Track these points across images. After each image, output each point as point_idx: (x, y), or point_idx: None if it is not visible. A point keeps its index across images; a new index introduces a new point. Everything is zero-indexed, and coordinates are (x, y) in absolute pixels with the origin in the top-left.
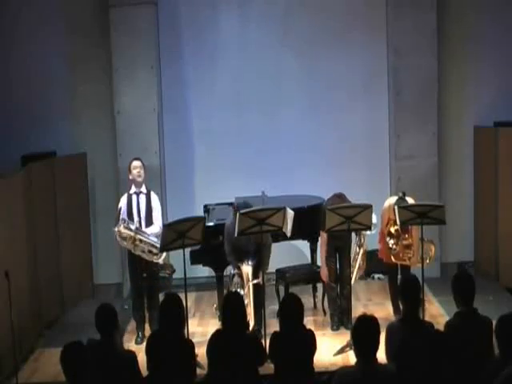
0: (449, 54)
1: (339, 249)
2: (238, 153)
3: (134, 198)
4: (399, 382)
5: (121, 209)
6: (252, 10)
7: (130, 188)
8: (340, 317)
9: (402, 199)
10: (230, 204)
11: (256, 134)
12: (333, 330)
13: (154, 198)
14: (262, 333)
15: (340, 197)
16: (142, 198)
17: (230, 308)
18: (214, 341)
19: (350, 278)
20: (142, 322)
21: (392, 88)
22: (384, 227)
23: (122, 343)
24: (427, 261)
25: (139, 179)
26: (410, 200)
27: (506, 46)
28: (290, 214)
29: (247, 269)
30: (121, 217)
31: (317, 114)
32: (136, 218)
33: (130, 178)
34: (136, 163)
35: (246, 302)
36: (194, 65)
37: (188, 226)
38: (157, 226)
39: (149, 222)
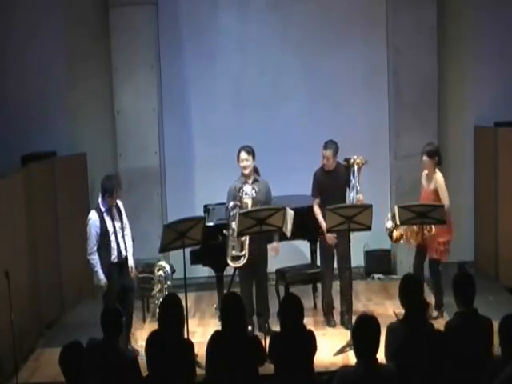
0: (449, 53)
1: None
2: None
3: (106, 215)
4: (399, 382)
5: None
6: (252, 8)
7: (99, 206)
8: (333, 313)
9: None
10: None
11: (256, 133)
12: (330, 325)
13: (120, 203)
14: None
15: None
16: (114, 210)
17: (229, 308)
18: (214, 341)
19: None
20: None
21: (392, 87)
22: None
23: (126, 344)
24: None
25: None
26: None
27: (507, 45)
28: (290, 214)
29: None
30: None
31: (316, 112)
32: (112, 236)
33: (101, 201)
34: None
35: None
36: (193, 64)
37: (188, 226)
38: (129, 238)
39: (122, 229)
